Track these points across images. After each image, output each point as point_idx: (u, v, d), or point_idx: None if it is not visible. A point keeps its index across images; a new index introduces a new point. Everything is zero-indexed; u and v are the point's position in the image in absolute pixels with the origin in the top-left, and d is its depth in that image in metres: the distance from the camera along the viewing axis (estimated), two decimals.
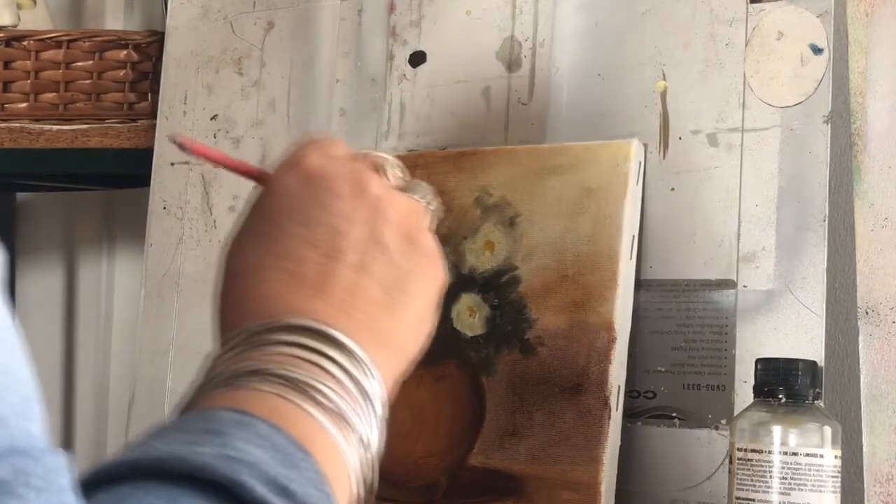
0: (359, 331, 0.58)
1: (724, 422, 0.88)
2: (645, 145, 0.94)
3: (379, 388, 0.57)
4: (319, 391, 0.54)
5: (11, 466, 0.35)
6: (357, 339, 0.57)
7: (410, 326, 0.62)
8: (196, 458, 0.45)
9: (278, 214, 0.62)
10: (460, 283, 0.96)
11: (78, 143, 1.24)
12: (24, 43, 1.24)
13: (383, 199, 0.62)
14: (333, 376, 0.55)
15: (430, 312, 0.64)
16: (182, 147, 0.65)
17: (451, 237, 0.97)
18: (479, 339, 0.94)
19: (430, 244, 0.64)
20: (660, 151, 0.94)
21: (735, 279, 0.90)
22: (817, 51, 0.90)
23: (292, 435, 0.50)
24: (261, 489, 0.44)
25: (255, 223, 0.63)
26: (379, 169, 0.64)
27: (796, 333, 0.87)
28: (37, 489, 0.35)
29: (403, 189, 0.65)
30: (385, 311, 0.61)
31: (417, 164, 1.00)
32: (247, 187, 1.13)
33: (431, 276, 0.64)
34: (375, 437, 0.56)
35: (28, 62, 1.24)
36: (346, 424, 0.54)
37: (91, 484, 0.43)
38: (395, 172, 0.65)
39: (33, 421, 0.37)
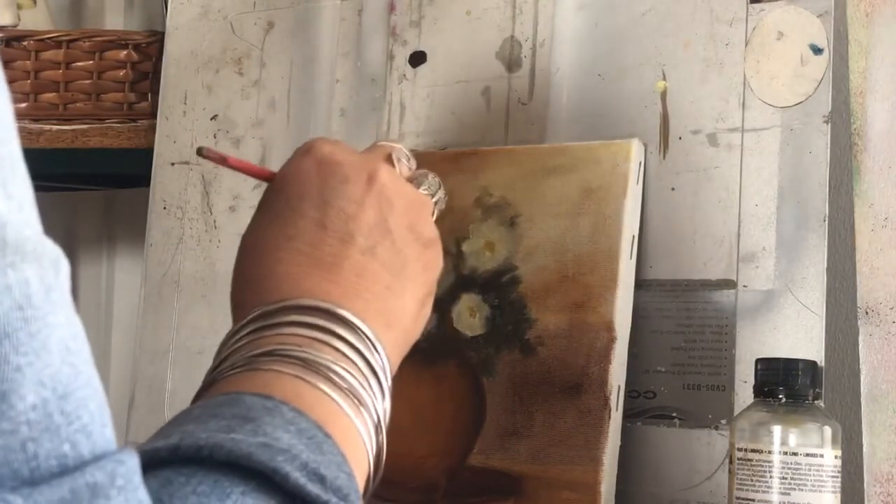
0: (366, 311, 0.61)
1: (724, 422, 0.88)
2: (645, 145, 0.94)
3: (384, 362, 0.60)
4: (334, 372, 0.56)
5: (103, 470, 0.37)
6: (365, 318, 0.60)
7: (412, 309, 0.65)
8: (236, 447, 0.46)
9: (293, 197, 0.65)
10: (461, 283, 0.96)
11: (78, 143, 1.24)
12: (24, 43, 1.24)
13: (390, 188, 0.66)
14: (346, 356, 0.58)
15: (429, 297, 0.68)
16: (210, 158, 0.67)
17: (451, 237, 0.97)
18: (480, 340, 0.94)
19: (431, 234, 0.68)
20: (660, 151, 0.94)
21: (735, 279, 0.90)
22: (817, 51, 0.90)
23: (314, 418, 0.52)
24: (296, 475, 0.46)
25: (270, 205, 0.66)
26: (389, 159, 0.68)
27: (796, 333, 0.87)
28: (118, 488, 0.38)
29: (411, 179, 0.69)
30: (390, 293, 0.64)
31: (417, 164, 1.00)
32: (247, 187, 1.13)
33: (430, 263, 0.67)
34: (382, 407, 0.59)
35: (28, 62, 1.24)
36: (359, 403, 0.56)
37: None
38: (404, 163, 0.69)
39: (107, 425, 0.39)
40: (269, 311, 0.59)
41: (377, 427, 0.58)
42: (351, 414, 0.56)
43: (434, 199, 0.71)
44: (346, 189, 0.65)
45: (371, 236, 0.64)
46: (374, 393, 0.58)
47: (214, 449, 0.46)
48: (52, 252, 0.39)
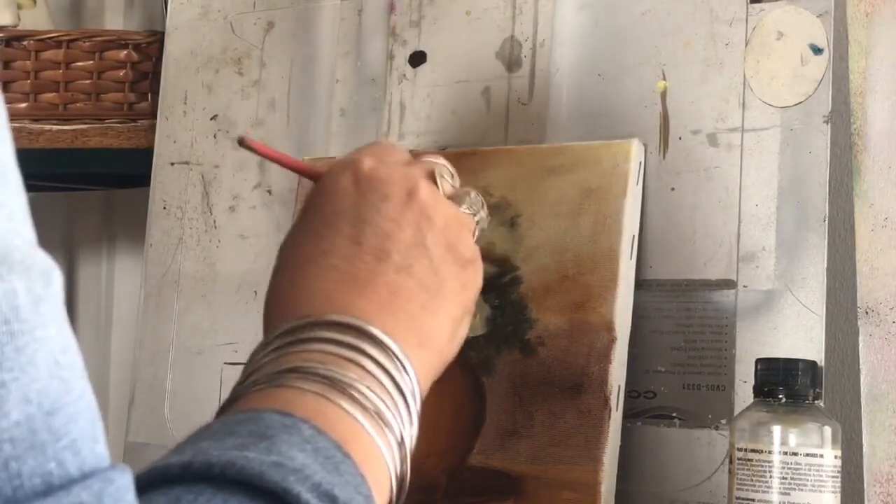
0: (399, 329, 0.60)
1: (724, 422, 0.88)
2: (645, 145, 0.94)
3: (414, 384, 0.59)
4: (359, 391, 0.55)
5: (89, 490, 0.36)
6: (396, 337, 0.59)
7: (447, 329, 0.64)
8: (248, 465, 0.46)
9: (329, 213, 0.64)
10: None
11: (78, 143, 1.24)
12: (24, 43, 1.24)
13: (430, 206, 0.65)
14: (373, 375, 0.57)
15: (466, 317, 0.67)
16: (245, 146, 0.67)
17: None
18: (480, 340, 0.94)
19: (470, 253, 0.67)
20: (660, 151, 0.94)
21: (735, 279, 0.90)
22: (817, 51, 0.90)
23: (334, 437, 0.51)
24: (307, 496, 0.46)
25: (307, 220, 0.65)
26: (432, 176, 0.67)
27: (796, 333, 0.87)
28: None
29: (453, 197, 0.68)
30: (425, 312, 0.63)
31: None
32: (247, 187, 1.13)
33: (468, 283, 0.66)
34: (409, 433, 0.58)
35: (28, 62, 1.24)
36: (383, 424, 0.55)
37: (144, 484, 0.44)
38: (446, 180, 0.68)
39: (98, 441, 0.38)
40: (297, 326, 0.58)
41: (401, 449, 0.56)
42: (374, 434, 0.54)
43: (476, 218, 0.69)
44: (385, 206, 0.64)
45: (408, 255, 0.63)
46: (400, 415, 0.57)
47: (226, 467, 0.45)
48: (43, 263, 0.38)
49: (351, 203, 0.64)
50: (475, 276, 0.67)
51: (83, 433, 0.37)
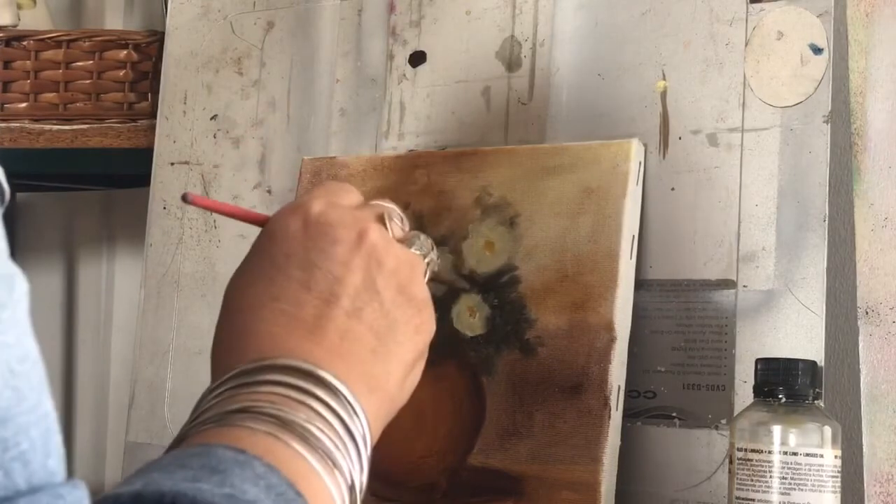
0: (349, 374, 0.59)
1: (724, 422, 0.88)
2: (645, 145, 0.94)
3: (365, 429, 0.58)
4: (310, 432, 0.54)
5: None
6: (347, 381, 0.58)
7: (398, 374, 0.64)
8: (200, 496, 0.45)
9: (279, 256, 0.64)
10: (460, 283, 0.96)
11: (78, 143, 1.24)
12: (24, 43, 1.24)
13: (380, 249, 0.64)
14: (323, 417, 0.56)
15: (419, 361, 0.66)
16: (189, 202, 0.67)
17: (450, 237, 0.97)
18: (479, 339, 0.94)
19: (422, 296, 0.66)
20: (660, 151, 0.94)
21: (735, 279, 0.90)
22: (817, 51, 0.90)
23: (286, 475, 0.51)
24: None
25: (255, 263, 0.65)
26: (381, 219, 0.66)
27: (796, 333, 0.87)
28: None
29: (403, 240, 0.68)
30: (375, 357, 0.62)
31: (417, 164, 1.01)
32: (247, 187, 1.13)
33: (421, 327, 0.66)
34: (359, 478, 0.57)
35: (28, 62, 1.24)
36: (333, 465, 0.55)
37: None
38: (396, 223, 0.68)
39: (51, 455, 0.38)
40: (247, 370, 0.58)
41: (352, 494, 0.56)
42: (324, 476, 0.54)
43: (426, 260, 0.69)
44: (334, 250, 0.63)
45: (358, 298, 0.63)
46: (351, 458, 0.56)
47: (178, 497, 0.45)
48: (6, 269, 0.37)
49: (300, 247, 0.63)
50: (429, 320, 0.67)
51: (34, 445, 0.37)
